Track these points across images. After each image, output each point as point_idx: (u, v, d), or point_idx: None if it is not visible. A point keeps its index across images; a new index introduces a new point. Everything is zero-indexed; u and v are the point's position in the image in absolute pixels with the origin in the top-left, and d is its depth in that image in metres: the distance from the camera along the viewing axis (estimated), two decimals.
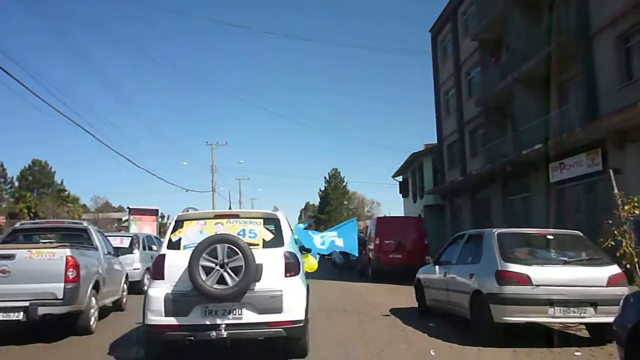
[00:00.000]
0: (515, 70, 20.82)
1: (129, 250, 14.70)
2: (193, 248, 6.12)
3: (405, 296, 13.75)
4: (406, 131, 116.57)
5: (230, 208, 72.33)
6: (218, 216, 6.83)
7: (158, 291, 6.18)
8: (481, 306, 7.44)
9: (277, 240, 6.58)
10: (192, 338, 5.98)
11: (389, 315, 10.29)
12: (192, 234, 6.54)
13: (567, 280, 7.00)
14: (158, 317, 6.09)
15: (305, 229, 9.57)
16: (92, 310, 8.49)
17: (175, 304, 6.06)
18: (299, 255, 6.88)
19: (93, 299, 8.56)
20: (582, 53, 17.50)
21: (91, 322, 8.47)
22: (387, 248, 18.53)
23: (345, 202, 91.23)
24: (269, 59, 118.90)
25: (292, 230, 7.53)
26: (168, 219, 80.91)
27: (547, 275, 7.03)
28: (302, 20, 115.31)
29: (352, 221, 9.92)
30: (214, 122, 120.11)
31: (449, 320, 9.06)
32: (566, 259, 7.36)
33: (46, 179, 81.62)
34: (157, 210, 30.82)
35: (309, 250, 8.35)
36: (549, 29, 19.16)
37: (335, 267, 25.95)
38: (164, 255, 6.43)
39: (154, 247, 16.21)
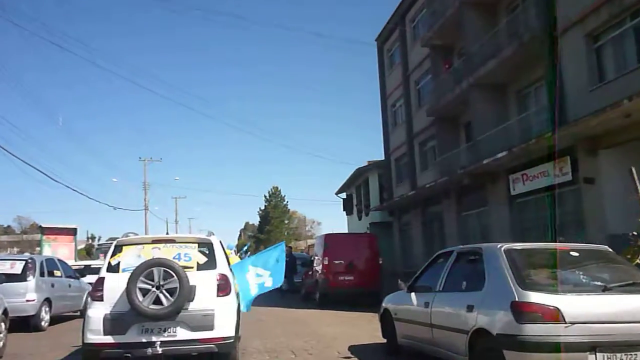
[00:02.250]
0: (471, 75, 19.31)
1: (22, 277, 11.84)
2: (131, 271, 6.60)
3: (362, 328, 11.66)
4: (349, 146, 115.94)
5: (167, 229, 68.80)
6: (155, 241, 7.35)
7: (97, 312, 6.65)
8: (488, 352, 5.34)
9: (210, 263, 7.13)
10: (129, 355, 6.46)
11: (349, 358, 8.04)
12: (131, 257, 7.07)
13: (611, 315, 4.99)
14: (97, 336, 6.52)
15: (245, 251, 10.45)
16: None
17: (114, 323, 6.52)
18: (230, 277, 7.32)
19: None
20: (546, 54, 16.08)
21: None
22: (336, 269, 16.28)
23: (286, 222, 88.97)
24: (205, 49, 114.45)
25: (226, 254, 8.03)
26: (98, 240, 76.64)
27: (584, 308, 5.00)
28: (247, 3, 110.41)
29: (281, 245, 9.59)
30: (147, 135, 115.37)
31: None
32: (604, 283, 5.34)
33: None
34: (75, 229, 27.29)
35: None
36: (507, 31, 17.83)
37: (278, 290, 23.45)
38: (103, 277, 6.94)
39: (57, 273, 13.34)
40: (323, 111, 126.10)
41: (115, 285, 6.67)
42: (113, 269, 7.01)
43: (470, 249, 6.78)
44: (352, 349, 8.76)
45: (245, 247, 15.79)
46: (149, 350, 6.45)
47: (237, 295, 7.83)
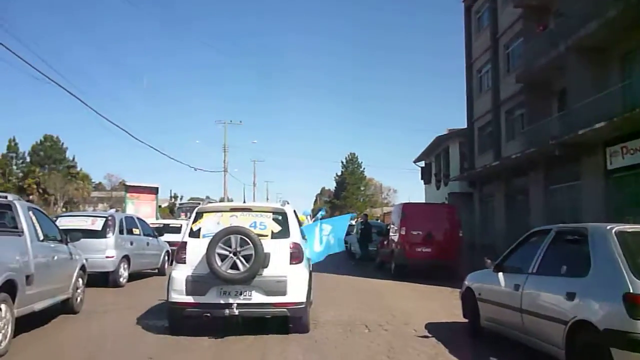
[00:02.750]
0: (569, 37, 17.73)
1: (102, 234, 12.06)
2: (211, 237, 7.07)
3: (439, 303, 11.09)
4: (429, 114, 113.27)
5: (244, 194, 70.25)
6: (233, 209, 7.76)
7: (180, 273, 7.23)
8: (591, 348, 4.67)
9: (284, 232, 7.48)
10: (208, 314, 7.07)
11: (427, 337, 7.50)
12: (210, 224, 7.49)
13: None
14: (180, 296, 7.11)
15: (321, 219, 10.94)
16: None
17: (195, 284, 7.07)
18: (303, 245, 7.73)
19: (1, 309, 5.86)
20: None
21: None
22: (414, 240, 15.60)
23: (362, 188, 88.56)
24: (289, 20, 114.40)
25: (300, 222, 8.38)
26: (180, 199, 79.47)
27: None
28: None
29: (349, 215, 11.10)
30: (229, 98, 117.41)
31: (521, 352, 6.30)
32: None
33: (58, 155, 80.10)
34: (156, 188, 27.97)
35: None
36: None
37: (351, 258, 23.15)
38: (186, 242, 7.47)
39: (136, 231, 13.54)
40: (404, 76, 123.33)
41: (196, 250, 7.20)
42: (194, 234, 7.50)
43: (573, 229, 6.03)
44: (430, 327, 8.22)
45: (321, 213, 15.45)
46: (227, 311, 6.98)
47: (309, 262, 8.31)
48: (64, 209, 66.91)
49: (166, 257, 15.48)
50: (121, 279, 12.36)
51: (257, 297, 7.04)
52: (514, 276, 6.40)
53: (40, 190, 73.56)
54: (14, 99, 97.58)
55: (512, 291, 6.26)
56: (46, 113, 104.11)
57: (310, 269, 8.24)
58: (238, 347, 6.79)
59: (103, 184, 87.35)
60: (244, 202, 14.49)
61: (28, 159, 78.40)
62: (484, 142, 28.85)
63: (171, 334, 7.27)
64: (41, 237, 7.30)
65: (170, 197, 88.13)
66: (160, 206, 66.83)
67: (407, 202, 20.86)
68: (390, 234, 17.42)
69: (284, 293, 7.06)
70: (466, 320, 8.04)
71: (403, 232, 15.70)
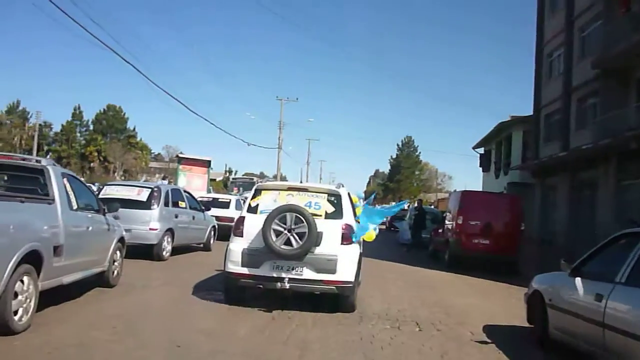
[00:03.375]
0: None
1: (147, 205, 11.70)
2: (267, 214, 7.42)
3: (497, 302, 10.23)
4: (490, 99, 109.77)
5: (300, 174, 70.18)
6: (290, 188, 8.12)
7: (237, 246, 7.61)
8: None
9: (337, 213, 7.78)
10: (261, 286, 7.52)
11: (486, 343, 6.69)
12: (268, 201, 7.83)
13: None
14: (236, 267, 7.52)
15: (372, 199, 10.85)
16: (17, 299, 5.36)
17: (250, 257, 7.45)
18: (355, 227, 7.88)
19: (23, 281, 5.44)
20: None
21: (16, 317, 5.37)
22: (471, 230, 14.61)
23: (417, 172, 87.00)
24: None
25: (353, 204, 8.51)
26: (234, 173, 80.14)
27: None
28: None
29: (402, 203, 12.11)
30: (286, 75, 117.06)
31: None
32: None
33: (119, 125, 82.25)
34: (209, 161, 27.69)
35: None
36: None
37: (402, 245, 22.28)
38: (243, 217, 7.85)
39: (182, 204, 13.14)
40: (467, 59, 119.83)
41: (253, 225, 7.60)
42: (252, 210, 7.90)
43: None
44: (488, 330, 7.40)
45: (373, 195, 14.76)
46: (278, 284, 7.37)
47: (360, 244, 8.40)
48: (122, 177, 68.67)
49: (212, 233, 15.06)
50: (164, 253, 12.00)
51: (307, 274, 7.40)
52: (596, 284, 5.51)
53: (101, 158, 75.86)
54: (81, 69, 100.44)
55: (592, 301, 5.37)
56: (110, 84, 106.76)
57: (361, 250, 8.41)
58: (279, 336, 6.21)
59: (162, 155, 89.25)
60: (301, 182, 14.61)
61: (91, 127, 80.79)
62: (550, 131, 27.22)
63: (226, 303, 7.77)
64: (75, 206, 6.85)
65: (225, 171, 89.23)
66: (214, 180, 67.83)
67: (467, 189, 19.76)
68: (446, 222, 16.48)
69: (333, 271, 7.39)
70: (530, 326, 7.20)
71: (460, 222, 14.74)
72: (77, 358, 4.92)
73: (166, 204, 12.15)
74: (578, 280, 5.88)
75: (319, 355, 5.63)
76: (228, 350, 5.55)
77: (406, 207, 27.36)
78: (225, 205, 18.60)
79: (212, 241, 15.00)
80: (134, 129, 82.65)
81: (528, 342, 6.92)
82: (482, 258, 14.52)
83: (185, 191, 14.34)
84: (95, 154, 75.28)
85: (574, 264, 6.22)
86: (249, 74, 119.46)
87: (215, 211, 16.93)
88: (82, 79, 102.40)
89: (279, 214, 7.37)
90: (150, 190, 12.03)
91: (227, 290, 7.87)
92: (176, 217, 12.56)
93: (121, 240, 8.63)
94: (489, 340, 6.82)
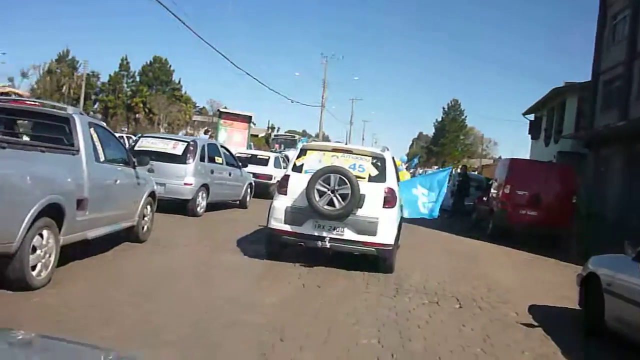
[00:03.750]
0: None
1: (182, 159, 11.39)
2: (312, 174, 7.59)
3: (544, 279, 9.70)
4: (543, 65, 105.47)
5: (347, 136, 69.47)
6: (335, 149, 8.17)
7: (281, 203, 7.78)
8: None
9: (380, 176, 7.84)
10: (302, 244, 7.77)
11: (532, 327, 6.15)
12: (313, 161, 7.93)
13: None
14: (279, 224, 7.70)
15: (415, 164, 11.00)
16: (36, 254, 5.10)
17: (293, 215, 7.65)
18: (397, 191, 7.97)
19: (42, 235, 5.17)
20: None
21: (34, 273, 5.12)
22: (519, 201, 13.80)
23: (461, 137, 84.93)
24: None
25: (396, 168, 8.76)
26: (277, 130, 79.98)
27: None
28: None
29: (447, 170, 10.82)
30: (332, 33, 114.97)
31: None
32: None
33: (165, 77, 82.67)
34: (250, 116, 27.20)
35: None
36: None
37: (446, 211, 21.49)
38: (288, 175, 8.00)
39: (218, 159, 12.77)
40: (518, 21, 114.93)
41: (297, 184, 7.74)
42: (297, 169, 8.02)
43: None
44: (534, 311, 6.85)
45: (416, 159, 14.20)
46: (319, 243, 7.53)
47: (401, 208, 8.49)
48: (166, 130, 69.35)
49: (249, 190, 14.73)
50: (199, 209, 11.74)
51: (348, 234, 7.54)
52: None
53: (146, 110, 76.63)
54: (129, 21, 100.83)
55: None
56: (157, 37, 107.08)
57: (402, 214, 8.61)
58: (308, 309, 5.81)
59: (206, 109, 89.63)
60: (347, 143, 14.36)
61: (138, 79, 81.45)
62: (608, 99, 25.68)
63: (267, 259, 7.92)
64: (102, 158, 6.53)
65: (268, 127, 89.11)
66: (256, 136, 67.80)
67: (516, 157, 18.81)
68: (492, 190, 15.73)
69: (374, 233, 7.49)
70: (580, 309, 6.62)
71: (507, 191, 13.96)
72: (88, 321, 4.62)
73: (202, 159, 11.81)
74: None
75: (350, 332, 5.18)
76: (250, 321, 5.17)
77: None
78: (264, 162, 18.24)
79: (248, 198, 14.70)
80: (179, 82, 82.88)
81: (578, 329, 6.36)
82: (529, 231, 13.78)
83: (222, 146, 13.99)
84: (141, 105, 76.00)
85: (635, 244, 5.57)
86: (295, 31, 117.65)
87: (253, 168, 16.61)
88: (130, 31, 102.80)
89: (323, 174, 7.50)
90: (186, 144, 11.69)
91: (269, 246, 8.03)
92: (212, 172, 12.24)
93: (152, 194, 8.34)
94: (535, 323, 6.28)
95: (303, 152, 8.29)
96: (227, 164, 13.34)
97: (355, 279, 7.44)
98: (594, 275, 6.28)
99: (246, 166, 14.94)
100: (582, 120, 28.51)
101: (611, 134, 23.21)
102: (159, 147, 11.52)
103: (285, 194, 7.82)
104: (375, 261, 7.88)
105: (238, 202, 14.32)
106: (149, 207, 8.28)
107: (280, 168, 18.98)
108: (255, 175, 16.56)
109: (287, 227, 7.64)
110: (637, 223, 18.86)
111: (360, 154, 8.05)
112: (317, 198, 7.42)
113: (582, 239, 14.31)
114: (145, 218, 8.17)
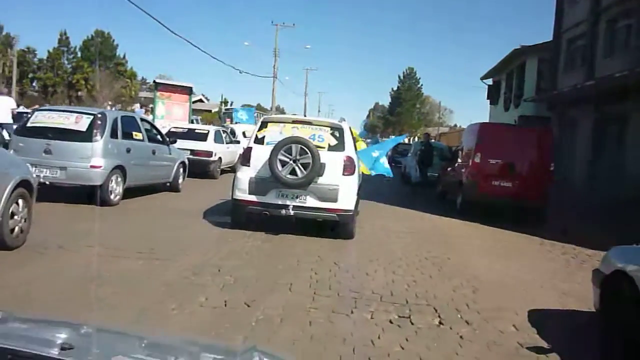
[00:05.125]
0: None
1: (87, 136, 9.18)
2: (274, 145, 7.90)
3: (532, 264, 8.12)
4: (500, 28, 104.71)
5: (304, 107, 67.32)
6: (295, 121, 8.68)
7: (244, 174, 8.11)
8: None
9: (339, 146, 8.24)
10: (267, 213, 8.00)
11: (543, 351, 4.39)
12: (274, 133, 8.30)
13: None
14: (243, 194, 8.04)
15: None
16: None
17: (257, 185, 7.97)
18: (355, 159, 8.49)
19: None
20: None
21: None
22: (491, 171, 12.11)
23: (418, 106, 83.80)
24: None
25: (354, 137, 9.18)
26: (230, 104, 77.02)
27: None
28: None
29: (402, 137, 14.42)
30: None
31: None
32: None
33: (108, 52, 78.39)
34: (190, 87, 24.56)
35: None
36: None
37: (408, 183, 19.83)
38: (251, 147, 8.31)
39: (137, 135, 10.53)
40: None
41: (260, 155, 8.02)
42: (259, 141, 8.27)
43: None
44: (537, 320, 5.11)
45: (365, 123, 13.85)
46: (283, 211, 7.84)
47: (360, 176, 9.02)
48: (110, 107, 65.64)
49: (181, 170, 12.42)
50: (112, 196, 9.56)
51: (311, 202, 7.89)
52: None
53: (89, 87, 72.48)
54: None
55: None
56: (99, 9, 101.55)
57: (360, 181, 8.96)
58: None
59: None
60: (304, 115, 13.04)
61: (79, 55, 76.98)
62: (572, 59, 24.43)
63: (231, 228, 8.19)
64: None
65: (221, 102, 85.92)
66: (209, 111, 64.82)
67: (485, 122, 17.14)
68: (459, 160, 14.05)
69: (335, 200, 7.86)
70: (593, 310, 4.97)
71: (477, 160, 12.25)
72: None
73: (114, 135, 9.55)
74: None
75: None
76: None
77: (406, 141, 24.81)
78: (203, 137, 16.04)
79: (180, 180, 12.41)
80: (124, 56, 78.78)
81: (605, 347, 4.65)
82: (503, 204, 12.15)
83: (143, 120, 11.75)
84: (83, 82, 71.90)
85: None
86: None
87: (190, 144, 14.50)
88: (68, 4, 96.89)
89: (285, 145, 7.78)
90: (92, 117, 9.38)
91: (234, 216, 8.31)
92: (128, 151, 9.97)
93: (23, 184, 6.19)
94: (544, 344, 4.55)
95: (264, 124, 8.56)
96: (151, 139, 11.13)
97: (300, 286, 5.57)
98: (622, 275, 4.56)
99: (175, 142, 12.63)
100: (544, 83, 27.29)
101: (577, 95, 21.92)
102: (57, 122, 9.28)
103: (249, 166, 8.06)
104: (335, 228, 8.19)
105: (169, 185, 12.14)
106: (21, 201, 6.15)
107: (223, 143, 16.90)
108: (192, 152, 14.47)
109: (252, 197, 7.93)
110: (608, 188, 17.71)
111: (319, 125, 8.44)
112: (280, 168, 7.71)
113: (558, 210, 12.87)
114: (16, 217, 6.04)
